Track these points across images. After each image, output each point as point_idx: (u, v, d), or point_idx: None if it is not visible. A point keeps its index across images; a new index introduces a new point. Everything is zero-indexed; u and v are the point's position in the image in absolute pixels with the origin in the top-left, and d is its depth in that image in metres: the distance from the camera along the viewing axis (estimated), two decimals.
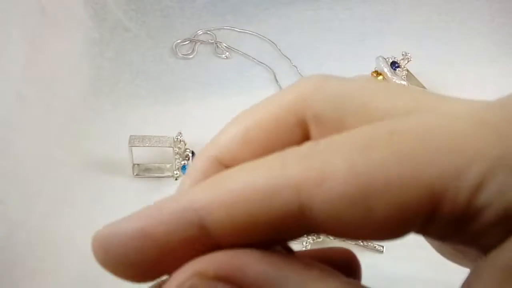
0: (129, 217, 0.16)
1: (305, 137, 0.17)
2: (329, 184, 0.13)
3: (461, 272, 0.15)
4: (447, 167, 0.13)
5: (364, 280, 0.18)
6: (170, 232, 0.15)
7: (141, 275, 0.16)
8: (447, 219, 0.13)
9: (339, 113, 0.16)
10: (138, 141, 0.47)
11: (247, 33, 0.63)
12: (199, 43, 0.62)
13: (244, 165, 0.15)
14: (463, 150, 0.13)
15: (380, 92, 0.16)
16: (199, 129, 0.52)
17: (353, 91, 0.16)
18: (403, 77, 0.53)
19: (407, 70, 0.54)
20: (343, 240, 0.44)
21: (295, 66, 0.59)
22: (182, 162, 0.48)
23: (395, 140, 0.13)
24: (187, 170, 0.18)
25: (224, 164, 0.18)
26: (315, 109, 0.16)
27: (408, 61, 0.54)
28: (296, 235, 0.15)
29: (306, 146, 0.14)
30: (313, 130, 0.17)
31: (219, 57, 0.60)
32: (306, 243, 0.44)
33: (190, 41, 0.62)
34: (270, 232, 0.14)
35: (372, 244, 0.45)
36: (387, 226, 0.13)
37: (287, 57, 0.60)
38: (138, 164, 0.49)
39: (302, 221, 0.14)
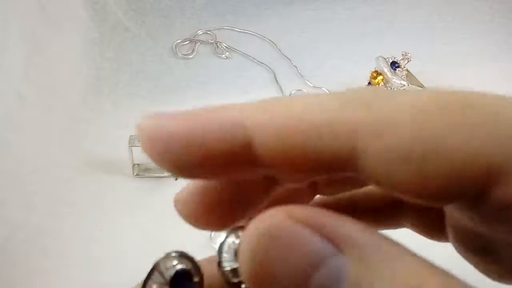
0: (178, 115, 0.16)
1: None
2: (389, 138, 0.13)
3: (460, 271, 0.15)
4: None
5: None
6: (215, 140, 0.15)
7: (185, 172, 0.16)
8: (498, 203, 0.13)
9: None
10: (138, 141, 0.47)
11: (247, 33, 0.63)
12: (199, 43, 0.62)
13: (302, 97, 0.14)
14: None
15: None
16: None
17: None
18: (403, 77, 0.53)
19: (407, 70, 0.54)
20: None
21: (295, 66, 0.59)
22: None
23: (468, 113, 0.13)
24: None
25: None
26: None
27: (408, 61, 0.54)
28: (341, 176, 0.15)
29: (369, 91, 0.14)
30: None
31: (219, 57, 0.60)
32: None
33: (190, 41, 0.62)
34: (316, 168, 0.14)
35: None
36: (436, 189, 0.13)
37: (287, 57, 0.60)
38: (138, 164, 0.49)
39: (352, 164, 0.13)
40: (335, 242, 0.13)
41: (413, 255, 0.13)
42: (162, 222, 0.46)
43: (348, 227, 0.13)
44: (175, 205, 0.18)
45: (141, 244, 0.45)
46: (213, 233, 0.45)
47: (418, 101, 0.13)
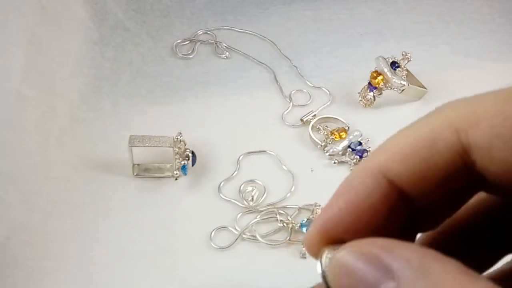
0: (332, 201, 0.18)
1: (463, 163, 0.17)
2: (483, 124, 0.15)
3: None
4: None
5: None
6: (367, 197, 0.17)
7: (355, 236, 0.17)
8: None
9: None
10: (138, 141, 0.47)
11: (247, 33, 0.63)
12: (199, 43, 0.62)
13: (408, 125, 0.17)
14: None
15: None
16: (199, 129, 0.53)
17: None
18: (403, 77, 0.53)
19: (407, 70, 0.54)
20: None
21: (295, 66, 0.59)
22: (182, 162, 0.48)
23: None
24: (344, 181, 0.18)
25: (387, 176, 0.17)
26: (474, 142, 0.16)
27: (408, 61, 0.54)
28: (464, 182, 0.16)
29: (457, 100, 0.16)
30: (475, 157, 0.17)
31: (219, 57, 0.60)
32: None
33: (190, 41, 0.62)
34: (442, 175, 0.16)
35: None
36: None
37: (287, 57, 0.60)
38: (138, 164, 0.49)
39: (467, 161, 0.15)
40: (386, 268, 0.15)
41: (462, 273, 0.14)
42: (162, 222, 0.47)
43: (398, 251, 0.15)
44: (306, 246, 0.19)
45: (141, 244, 0.45)
46: (213, 232, 0.45)
47: (499, 94, 0.16)
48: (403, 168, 0.16)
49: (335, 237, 0.17)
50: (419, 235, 0.20)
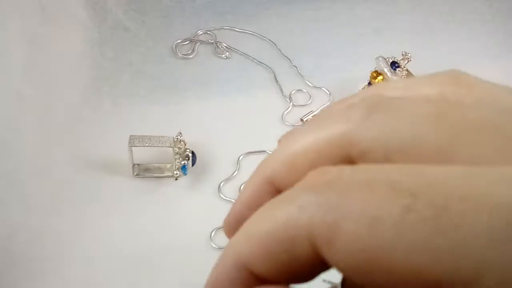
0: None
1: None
2: (337, 245, 0.13)
3: None
4: (461, 274, 0.12)
5: None
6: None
7: None
8: None
9: (386, 150, 0.15)
10: (138, 141, 0.47)
11: (247, 33, 0.63)
12: (199, 43, 0.62)
13: (268, 207, 0.16)
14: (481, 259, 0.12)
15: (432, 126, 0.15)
16: (199, 129, 0.53)
17: (402, 124, 0.15)
18: (403, 77, 0.53)
19: (407, 70, 0.54)
20: None
21: (295, 66, 0.59)
22: (182, 162, 0.48)
23: (408, 221, 0.12)
24: (243, 188, 0.19)
25: (275, 184, 0.18)
26: (361, 146, 0.16)
27: (408, 61, 0.54)
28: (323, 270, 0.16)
29: (324, 183, 0.14)
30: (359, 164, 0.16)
31: (219, 57, 0.60)
32: None
33: (190, 41, 0.62)
34: (299, 268, 0.15)
35: None
36: None
37: (287, 57, 0.60)
38: (138, 164, 0.49)
39: (323, 262, 0.14)
40: None
41: None
42: (162, 222, 0.47)
43: None
44: (225, 232, 0.19)
45: (141, 244, 0.45)
46: (213, 232, 0.45)
47: (364, 202, 0.13)
48: (264, 264, 0.15)
49: None
50: None
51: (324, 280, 0.19)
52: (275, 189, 0.18)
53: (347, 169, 0.15)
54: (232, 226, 0.18)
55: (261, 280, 0.16)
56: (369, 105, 0.16)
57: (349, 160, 0.16)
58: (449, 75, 0.17)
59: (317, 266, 0.15)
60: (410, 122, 0.15)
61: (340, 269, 0.14)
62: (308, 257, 0.14)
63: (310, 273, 0.15)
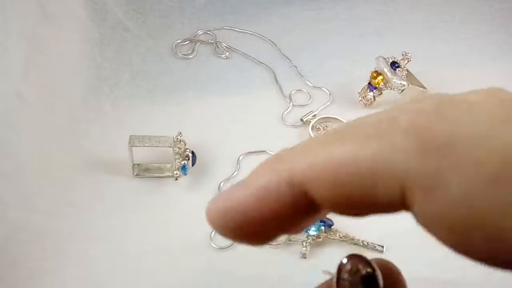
0: (230, 192, 0.16)
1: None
2: (435, 197, 0.13)
3: (460, 271, 0.15)
4: None
5: None
6: (266, 206, 0.15)
7: (251, 239, 0.17)
8: None
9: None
10: (138, 141, 0.47)
11: (247, 33, 0.63)
12: (199, 43, 0.62)
13: (342, 134, 0.15)
14: None
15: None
16: (199, 129, 0.53)
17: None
18: (403, 77, 0.53)
19: (407, 70, 0.54)
20: (343, 240, 0.44)
21: (295, 66, 0.59)
22: (182, 162, 0.48)
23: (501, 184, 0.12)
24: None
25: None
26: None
27: (408, 61, 0.54)
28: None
29: (422, 132, 0.14)
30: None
31: (219, 57, 0.60)
32: (306, 243, 0.44)
33: (190, 41, 0.62)
34: (368, 205, 0.14)
35: (372, 244, 0.45)
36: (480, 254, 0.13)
37: (287, 57, 0.60)
38: (138, 164, 0.49)
39: (407, 207, 0.14)
40: None
41: None
42: (162, 222, 0.47)
43: None
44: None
45: (141, 244, 0.45)
46: (213, 232, 0.45)
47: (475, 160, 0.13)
48: (330, 192, 0.14)
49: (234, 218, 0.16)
50: None
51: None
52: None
53: (448, 111, 0.14)
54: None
55: (313, 203, 0.15)
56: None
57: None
58: (489, 92, 0.16)
59: (391, 209, 0.14)
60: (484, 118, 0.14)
61: (430, 220, 0.13)
62: (390, 199, 0.14)
63: (375, 211, 0.15)
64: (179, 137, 0.48)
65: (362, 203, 0.14)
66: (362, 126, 0.15)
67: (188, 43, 0.62)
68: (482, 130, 0.13)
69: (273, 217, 0.15)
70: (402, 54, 0.54)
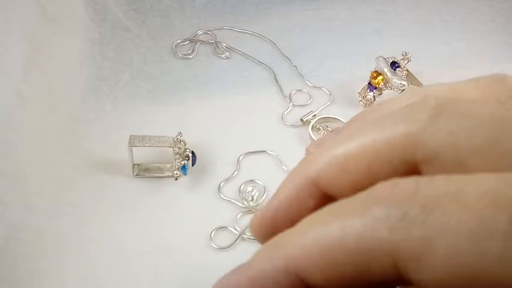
0: (230, 279, 0.17)
1: (411, 171, 0.15)
2: (427, 263, 0.13)
3: None
4: None
5: None
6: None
7: None
8: None
9: (458, 154, 0.14)
10: (138, 141, 0.47)
11: (247, 33, 0.63)
12: (199, 43, 0.62)
13: (330, 213, 0.15)
14: None
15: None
16: (199, 129, 0.53)
17: (477, 123, 0.14)
18: (403, 77, 0.53)
19: (407, 70, 0.54)
20: None
21: (295, 66, 0.59)
22: (182, 162, 0.48)
23: None
24: (278, 188, 0.18)
25: (319, 186, 0.17)
26: (428, 149, 0.15)
27: (408, 61, 0.54)
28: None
29: (401, 196, 0.14)
30: (424, 169, 0.15)
31: (219, 57, 0.60)
32: None
33: (190, 41, 0.62)
34: (365, 283, 0.14)
35: None
36: None
37: (287, 57, 0.60)
38: (138, 164, 0.49)
39: (407, 279, 0.14)
40: None
41: None
42: (162, 222, 0.47)
43: None
44: (252, 229, 0.18)
45: (141, 244, 0.45)
46: (213, 232, 0.45)
47: (457, 216, 0.13)
48: (323, 275, 0.14)
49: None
50: None
51: None
52: (319, 191, 0.17)
53: (424, 180, 0.14)
54: (264, 227, 0.17)
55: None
56: (435, 106, 0.15)
57: (411, 164, 0.15)
58: (493, 79, 0.16)
59: (389, 282, 0.14)
60: (485, 125, 0.14)
61: (428, 286, 0.13)
62: (383, 273, 0.14)
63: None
64: (179, 137, 0.48)
65: (357, 283, 0.14)
66: (342, 204, 0.15)
67: (188, 43, 0.62)
68: (457, 183, 0.13)
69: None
70: (402, 54, 0.54)
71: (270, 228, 0.17)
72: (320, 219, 0.15)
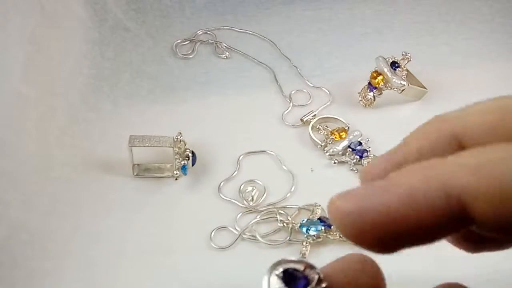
0: (375, 193, 0.15)
1: None
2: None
3: (461, 269, 0.15)
4: None
5: None
6: (419, 213, 0.14)
7: (383, 247, 0.15)
8: None
9: None
10: (138, 141, 0.47)
11: (247, 33, 0.63)
12: (199, 43, 0.62)
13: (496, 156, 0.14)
14: None
15: None
16: (199, 129, 0.53)
17: None
18: (403, 77, 0.53)
19: (407, 70, 0.54)
20: (343, 240, 0.44)
21: (295, 66, 0.59)
22: (182, 162, 0.48)
23: None
24: (408, 138, 0.18)
25: (462, 143, 0.16)
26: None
27: (408, 61, 0.54)
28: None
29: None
30: None
31: (219, 57, 0.60)
32: (306, 243, 0.44)
33: (190, 41, 0.62)
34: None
35: None
36: None
37: (287, 57, 0.60)
38: (138, 164, 0.49)
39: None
40: None
41: None
42: (162, 222, 0.47)
43: None
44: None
45: (141, 244, 0.45)
46: (213, 232, 0.45)
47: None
48: (493, 206, 0.14)
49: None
50: None
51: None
52: (457, 146, 0.16)
53: None
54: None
55: (468, 220, 0.14)
56: None
57: None
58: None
59: None
60: None
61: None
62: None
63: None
64: (179, 137, 0.48)
65: None
66: None
67: (188, 43, 0.62)
68: None
69: (419, 228, 0.14)
70: (402, 54, 0.54)
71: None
72: (502, 149, 0.14)
